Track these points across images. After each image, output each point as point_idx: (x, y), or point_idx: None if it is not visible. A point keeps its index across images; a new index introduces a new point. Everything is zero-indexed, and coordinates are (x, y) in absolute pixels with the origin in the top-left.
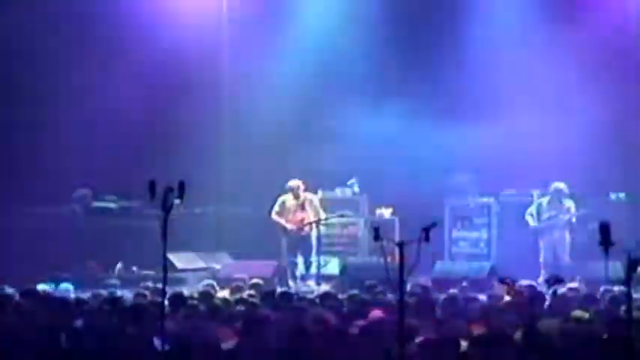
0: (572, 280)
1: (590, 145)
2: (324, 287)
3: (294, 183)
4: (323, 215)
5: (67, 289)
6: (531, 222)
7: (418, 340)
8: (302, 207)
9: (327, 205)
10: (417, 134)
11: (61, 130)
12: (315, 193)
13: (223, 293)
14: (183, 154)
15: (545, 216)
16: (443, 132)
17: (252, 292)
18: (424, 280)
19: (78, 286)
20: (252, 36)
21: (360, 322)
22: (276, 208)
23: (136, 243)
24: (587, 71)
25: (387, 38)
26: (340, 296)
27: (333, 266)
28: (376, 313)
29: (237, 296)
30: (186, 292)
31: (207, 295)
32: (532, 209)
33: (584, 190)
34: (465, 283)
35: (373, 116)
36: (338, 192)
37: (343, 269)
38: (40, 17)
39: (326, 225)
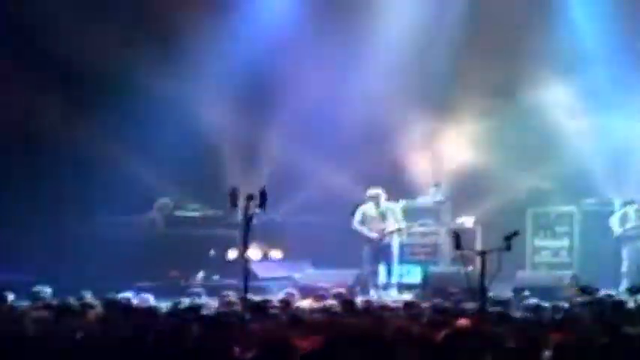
0: None
1: None
2: (406, 296)
3: (373, 192)
4: (404, 224)
5: (147, 298)
6: (616, 228)
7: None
8: (383, 216)
9: (409, 213)
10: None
11: (144, 139)
12: (397, 202)
13: (305, 302)
14: (263, 163)
15: (630, 225)
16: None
17: (334, 301)
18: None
19: (159, 294)
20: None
21: (445, 331)
22: (358, 217)
23: (218, 251)
24: None
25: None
26: (423, 305)
27: (414, 275)
28: (462, 322)
29: (319, 305)
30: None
31: (287, 304)
32: (618, 215)
33: None
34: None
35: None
36: (420, 200)
37: (425, 278)
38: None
39: (408, 234)
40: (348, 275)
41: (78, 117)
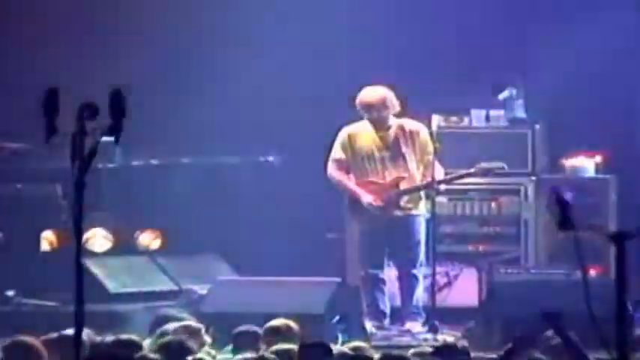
0: None
1: None
2: (445, 337)
3: (373, 95)
4: (441, 171)
5: None
6: None
7: None
8: (394, 150)
9: (452, 146)
10: None
11: None
12: (427, 121)
13: (209, 349)
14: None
15: None
16: None
17: (280, 346)
18: None
19: None
20: None
21: None
22: (337, 153)
23: (15, 235)
24: None
25: None
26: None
27: (465, 288)
28: None
29: (245, 356)
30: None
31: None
32: None
33: None
34: None
35: None
36: (476, 117)
37: (489, 295)
38: None
39: (450, 193)
40: (314, 289)
41: None
